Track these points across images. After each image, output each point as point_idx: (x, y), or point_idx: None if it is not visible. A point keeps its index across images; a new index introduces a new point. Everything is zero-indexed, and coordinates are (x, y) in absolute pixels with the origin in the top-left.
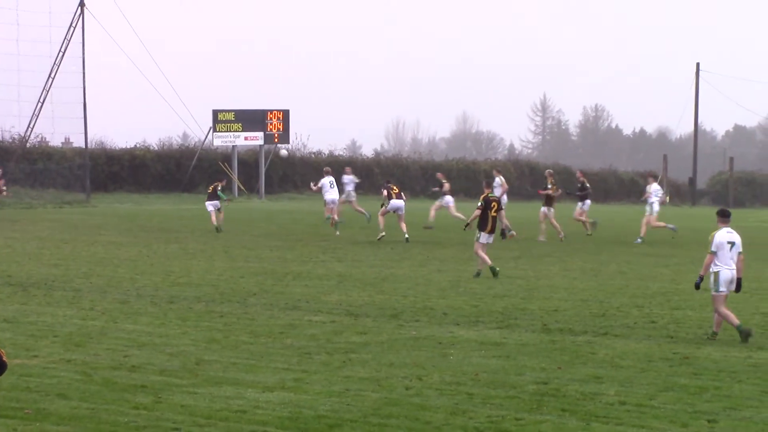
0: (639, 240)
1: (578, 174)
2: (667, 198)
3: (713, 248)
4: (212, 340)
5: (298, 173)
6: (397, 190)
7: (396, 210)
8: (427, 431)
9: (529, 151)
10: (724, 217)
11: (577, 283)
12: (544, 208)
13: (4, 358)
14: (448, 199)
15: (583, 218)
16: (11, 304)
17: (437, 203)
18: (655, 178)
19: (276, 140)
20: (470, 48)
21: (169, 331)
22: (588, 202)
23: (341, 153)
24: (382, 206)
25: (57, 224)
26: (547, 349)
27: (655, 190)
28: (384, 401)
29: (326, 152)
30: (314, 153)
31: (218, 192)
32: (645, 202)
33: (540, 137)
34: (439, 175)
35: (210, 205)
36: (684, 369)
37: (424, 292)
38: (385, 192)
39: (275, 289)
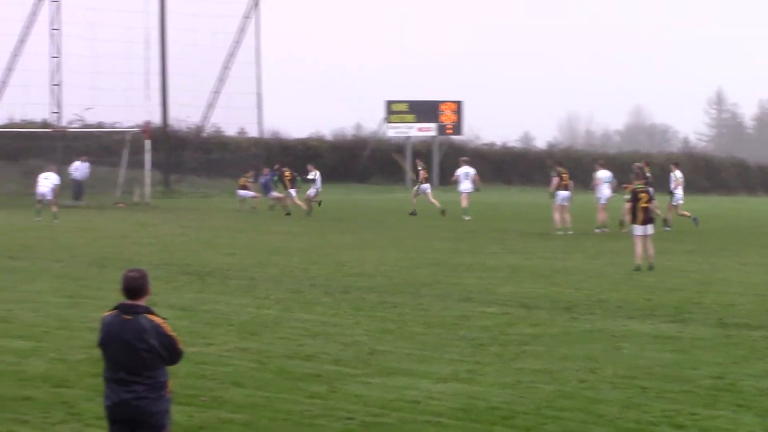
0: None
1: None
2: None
3: None
4: (385, 331)
5: (472, 164)
6: (566, 181)
7: (562, 200)
8: (600, 424)
9: (705, 144)
10: None
11: (753, 278)
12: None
13: (181, 346)
14: (425, 186)
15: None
16: (188, 293)
17: (414, 191)
18: (677, 165)
19: (449, 131)
20: (644, 41)
21: (343, 321)
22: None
23: (514, 144)
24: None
25: (232, 213)
26: (723, 344)
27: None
28: (557, 394)
29: (499, 143)
30: (486, 144)
31: (297, 178)
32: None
33: (715, 130)
34: (417, 161)
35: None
36: None
37: (598, 284)
38: (555, 181)
39: (448, 280)
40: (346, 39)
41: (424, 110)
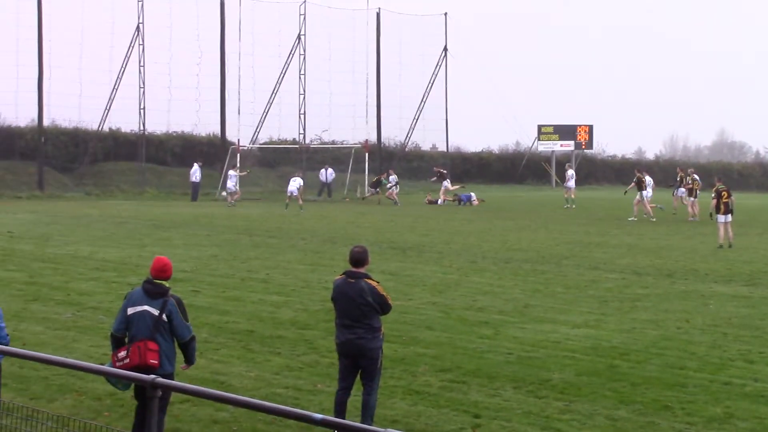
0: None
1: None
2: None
3: None
4: (536, 291)
5: (599, 170)
6: (645, 181)
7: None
8: (692, 360)
9: None
10: None
11: None
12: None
13: (390, 302)
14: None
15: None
16: (394, 262)
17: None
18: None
19: (583, 147)
20: (731, 66)
21: (505, 283)
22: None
23: (630, 156)
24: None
25: (426, 206)
26: None
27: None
28: (660, 337)
29: (619, 155)
30: (610, 156)
31: (382, 180)
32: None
33: None
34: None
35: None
36: None
37: (691, 258)
38: (645, 180)
39: (581, 254)
40: (509, 66)
41: (566, 131)
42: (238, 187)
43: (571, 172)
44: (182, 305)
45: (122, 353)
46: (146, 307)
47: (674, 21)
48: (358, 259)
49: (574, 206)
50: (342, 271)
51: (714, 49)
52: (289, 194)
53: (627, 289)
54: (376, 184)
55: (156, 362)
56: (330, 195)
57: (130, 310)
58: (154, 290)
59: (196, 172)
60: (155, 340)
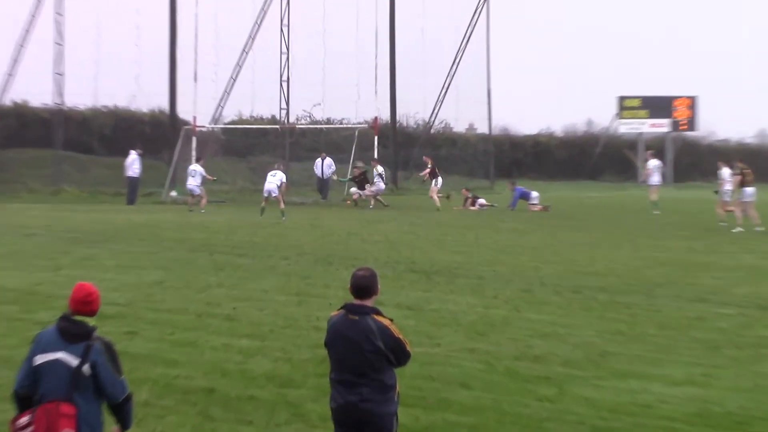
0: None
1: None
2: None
3: None
4: (617, 332)
5: (705, 161)
6: (750, 178)
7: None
8: None
9: None
10: None
11: None
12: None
13: (408, 348)
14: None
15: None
16: (414, 291)
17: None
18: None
19: (683, 127)
20: None
21: (573, 321)
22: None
23: (751, 141)
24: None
25: (459, 211)
26: None
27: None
28: None
29: (734, 140)
30: (721, 141)
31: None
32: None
33: None
34: (425, 158)
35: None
36: None
37: None
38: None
39: (682, 279)
40: (576, 31)
41: (658, 106)
42: (203, 188)
43: (655, 162)
44: (113, 352)
45: (24, 419)
46: (61, 355)
47: None
48: (363, 286)
49: (657, 211)
50: (340, 304)
51: None
52: (266, 194)
53: (747, 331)
54: (362, 180)
55: None
56: (325, 196)
57: (39, 359)
58: (73, 331)
59: (134, 164)
60: (72, 401)
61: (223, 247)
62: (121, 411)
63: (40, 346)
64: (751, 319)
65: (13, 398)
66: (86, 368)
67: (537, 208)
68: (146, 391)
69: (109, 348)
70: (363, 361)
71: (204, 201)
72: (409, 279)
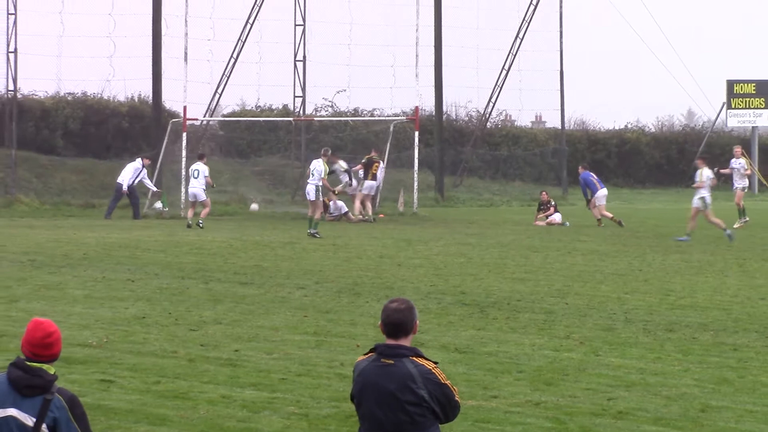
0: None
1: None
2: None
3: None
4: (723, 381)
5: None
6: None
7: None
8: None
9: None
10: None
11: None
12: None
13: (457, 398)
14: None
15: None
16: (465, 330)
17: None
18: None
19: None
20: None
21: (667, 367)
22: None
23: None
24: None
25: (524, 227)
26: None
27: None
28: None
29: None
30: None
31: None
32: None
33: None
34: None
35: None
36: None
37: None
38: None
39: None
40: (671, 3)
41: None
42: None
43: (739, 162)
44: (78, 407)
45: None
46: (12, 412)
47: None
48: (399, 322)
49: (746, 219)
50: (370, 345)
51: None
52: (192, 199)
53: None
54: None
55: None
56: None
57: None
58: (27, 382)
59: (136, 173)
60: None
61: (221, 273)
62: None
63: None
64: None
65: None
66: (44, 429)
67: (597, 213)
68: None
69: (73, 403)
70: (401, 415)
71: (207, 210)
72: (459, 314)
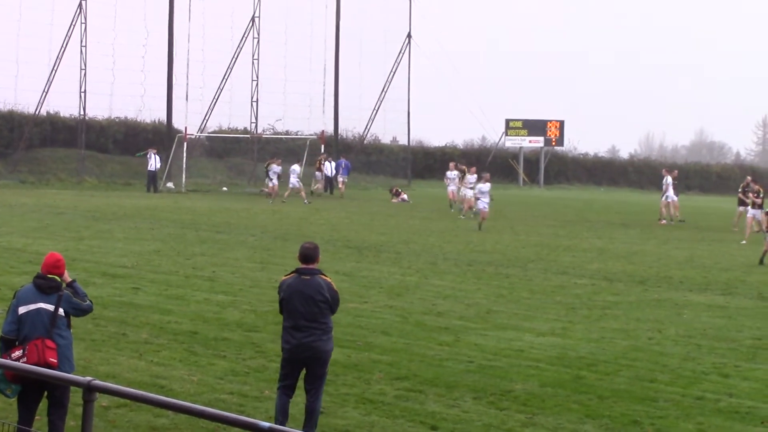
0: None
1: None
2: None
3: None
4: (500, 296)
5: (570, 169)
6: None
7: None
8: (664, 372)
9: (752, 157)
10: None
11: None
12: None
13: (339, 298)
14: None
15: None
16: (349, 262)
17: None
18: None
19: (554, 143)
20: (710, 68)
21: (467, 287)
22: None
23: (603, 155)
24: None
25: (384, 203)
26: (762, 313)
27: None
28: (631, 347)
29: (591, 153)
30: (582, 154)
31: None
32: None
33: (761, 147)
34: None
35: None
36: None
37: (665, 264)
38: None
39: (549, 257)
40: (477, 56)
41: (535, 126)
42: (276, 181)
43: (668, 179)
44: (75, 296)
45: (17, 352)
46: (41, 305)
47: (651, 17)
48: (310, 255)
49: (677, 220)
50: (291, 270)
51: (693, 45)
52: (290, 187)
53: (596, 296)
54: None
55: (55, 361)
56: (331, 192)
57: (22, 310)
58: (46, 285)
59: (150, 159)
60: (53, 338)
61: (206, 225)
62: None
63: (21, 301)
64: (599, 288)
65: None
66: (60, 311)
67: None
68: (146, 332)
69: (71, 294)
70: (316, 309)
71: (303, 193)
72: (345, 253)
